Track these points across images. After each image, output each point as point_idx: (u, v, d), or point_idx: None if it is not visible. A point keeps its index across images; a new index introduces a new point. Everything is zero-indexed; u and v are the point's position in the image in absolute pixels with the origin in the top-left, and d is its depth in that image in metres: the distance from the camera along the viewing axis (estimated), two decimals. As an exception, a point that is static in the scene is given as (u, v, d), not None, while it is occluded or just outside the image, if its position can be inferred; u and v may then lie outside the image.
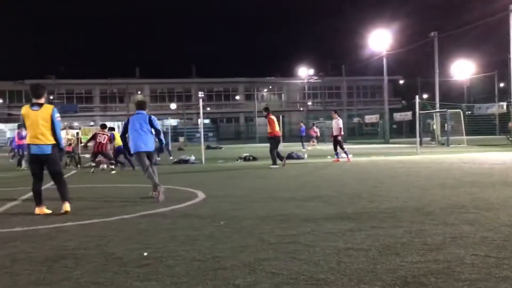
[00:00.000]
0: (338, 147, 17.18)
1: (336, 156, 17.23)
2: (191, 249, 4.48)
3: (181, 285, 3.46)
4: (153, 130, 8.61)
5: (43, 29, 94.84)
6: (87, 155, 19.59)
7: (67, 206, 6.88)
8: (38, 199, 6.96)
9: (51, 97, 58.16)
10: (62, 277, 3.73)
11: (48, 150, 6.88)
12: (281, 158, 15.39)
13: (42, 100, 6.98)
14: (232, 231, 5.29)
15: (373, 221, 5.57)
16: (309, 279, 3.50)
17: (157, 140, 8.78)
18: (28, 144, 6.93)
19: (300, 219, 5.87)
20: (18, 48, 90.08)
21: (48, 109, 6.94)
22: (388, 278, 3.46)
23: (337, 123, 17.27)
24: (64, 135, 22.79)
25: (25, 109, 6.93)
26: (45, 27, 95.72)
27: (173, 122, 60.41)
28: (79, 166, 17.92)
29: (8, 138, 48.12)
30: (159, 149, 9.22)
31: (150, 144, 8.56)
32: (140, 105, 8.89)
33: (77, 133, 37.48)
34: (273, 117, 15.53)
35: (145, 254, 4.36)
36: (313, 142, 34.59)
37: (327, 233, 5.00)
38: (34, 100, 6.94)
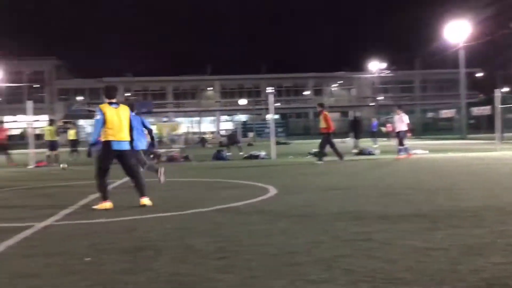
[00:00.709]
0: (405, 142, 16.84)
1: (406, 152, 16.79)
2: (266, 244, 4.54)
3: (258, 279, 3.52)
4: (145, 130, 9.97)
5: (120, 29, 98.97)
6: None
7: (145, 201, 7.15)
8: (107, 194, 7.20)
9: (129, 94, 60.62)
10: (145, 267, 3.91)
11: (127, 146, 7.27)
12: (324, 154, 15.51)
13: (115, 100, 7.34)
14: (305, 227, 5.31)
15: (452, 220, 5.39)
16: (386, 277, 3.45)
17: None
18: (109, 141, 7.08)
19: (374, 216, 5.78)
20: (98, 47, 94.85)
21: (126, 108, 7.44)
22: (472, 279, 3.34)
23: (402, 119, 16.88)
24: None
25: (107, 107, 7.18)
26: (123, 27, 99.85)
27: (242, 117, 61.09)
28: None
29: (87, 133, 50.84)
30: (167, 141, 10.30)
31: (143, 143, 9.85)
32: (130, 108, 9.67)
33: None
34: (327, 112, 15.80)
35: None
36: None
37: (403, 231, 4.90)
38: (108, 100, 7.28)
